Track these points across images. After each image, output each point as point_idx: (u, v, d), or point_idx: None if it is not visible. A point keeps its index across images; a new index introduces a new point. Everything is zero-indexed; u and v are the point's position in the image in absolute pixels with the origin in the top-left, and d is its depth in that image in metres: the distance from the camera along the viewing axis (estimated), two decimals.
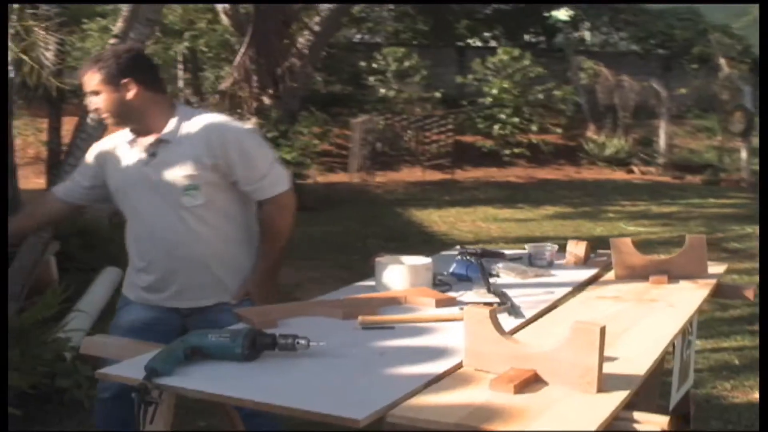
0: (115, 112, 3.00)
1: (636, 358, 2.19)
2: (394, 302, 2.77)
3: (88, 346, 2.50)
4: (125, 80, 2.95)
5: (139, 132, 3.04)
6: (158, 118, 3.02)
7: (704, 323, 6.47)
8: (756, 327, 6.41)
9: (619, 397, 1.89)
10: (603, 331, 1.90)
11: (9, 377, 3.80)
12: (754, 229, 10.84)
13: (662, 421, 1.82)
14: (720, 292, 3.33)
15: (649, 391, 3.07)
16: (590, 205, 13.08)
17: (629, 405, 1.93)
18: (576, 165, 18.62)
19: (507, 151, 18.03)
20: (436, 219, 11.28)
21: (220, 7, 11.71)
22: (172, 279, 3.06)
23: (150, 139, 3.01)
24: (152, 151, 3.00)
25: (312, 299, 2.94)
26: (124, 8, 6.19)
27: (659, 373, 3.11)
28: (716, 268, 3.42)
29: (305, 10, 13.72)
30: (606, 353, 2.17)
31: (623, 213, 12.31)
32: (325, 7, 13.00)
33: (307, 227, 10.52)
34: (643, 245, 3.46)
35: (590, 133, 19.97)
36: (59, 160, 7.66)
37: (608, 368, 2.05)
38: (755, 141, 18.56)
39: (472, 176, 16.75)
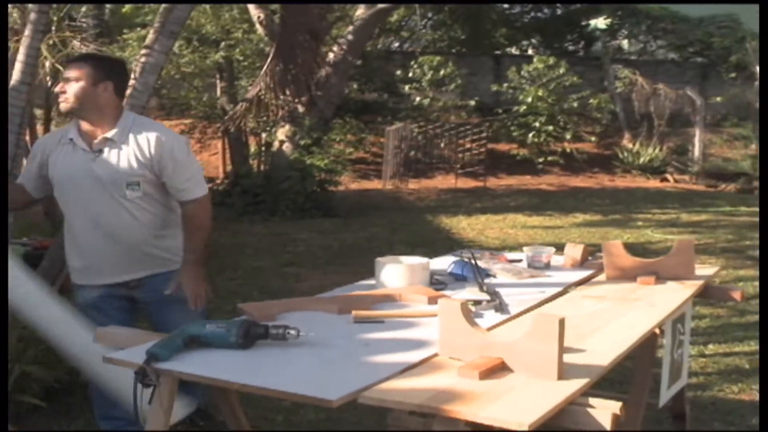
0: (83, 101, 3.36)
1: (603, 351, 2.33)
2: (390, 299, 2.94)
3: (102, 336, 2.69)
4: (106, 81, 3.38)
5: (91, 125, 3.39)
6: (110, 119, 3.41)
7: (720, 328, 6.57)
8: None
9: (577, 384, 2.04)
10: (562, 322, 2.05)
11: (33, 371, 4.04)
12: None
13: (615, 406, 1.97)
14: (708, 294, 3.45)
15: (639, 389, 3.22)
16: (620, 213, 13.12)
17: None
18: (610, 173, 18.63)
19: (541, 159, 18.09)
20: (465, 226, 11.39)
21: (255, 17, 11.92)
22: (116, 258, 3.46)
23: (97, 137, 3.37)
24: (98, 148, 3.37)
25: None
26: (157, 20, 6.44)
27: (650, 372, 3.24)
28: (706, 270, 3.54)
29: (339, 20, 13.93)
30: (577, 346, 2.34)
31: (652, 221, 12.33)
32: (357, 17, 13.18)
33: (336, 234, 10.72)
34: (667, 252, 3.59)
35: (625, 141, 19.99)
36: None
37: (574, 359, 2.21)
38: None
39: (504, 184, 16.85)
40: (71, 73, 3.38)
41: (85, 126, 3.39)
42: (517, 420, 1.82)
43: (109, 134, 3.36)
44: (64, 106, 3.40)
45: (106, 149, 3.36)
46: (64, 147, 3.42)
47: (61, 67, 6.43)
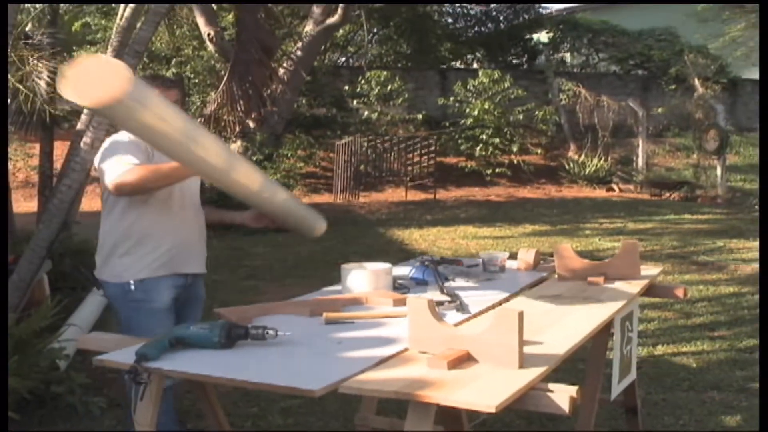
0: None
1: (559, 342, 2.54)
2: (357, 302, 3.12)
3: (86, 341, 2.83)
4: (184, 99, 3.70)
5: None
6: None
7: (667, 330, 6.83)
8: (716, 333, 6.76)
9: (537, 371, 2.23)
10: (521, 315, 2.24)
11: (9, 381, 4.13)
12: (725, 243, 11.22)
13: (572, 389, 2.16)
14: (653, 292, 3.68)
15: (592, 385, 3.42)
16: (568, 223, 13.39)
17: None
18: (557, 184, 18.93)
19: (489, 171, 18.33)
20: (417, 237, 11.58)
21: (205, 33, 12.02)
22: (200, 247, 3.78)
23: None
24: None
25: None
26: (114, 38, 6.56)
27: (602, 369, 3.44)
28: (651, 270, 3.77)
29: (287, 37, 14.08)
30: (534, 339, 2.53)
31: (600, 230, 12.61)
32: (305, 33, 13.34)
33: (291, 247, 10.84)
34: None
35: (571, 152, 20.34)
36: (51, 184, 7.95)
37: (533, 350, 2.41)
38: (729, 159, 18.98)
39: (454, 196, 17.07)
40: (171, 97, 3.45)
41: None
42: (485, 403, 2.00)
43: None
44: None
45: None
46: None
47: (20, 87, 6.51)
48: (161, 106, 2.46)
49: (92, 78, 2.20)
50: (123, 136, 3.54)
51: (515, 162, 18.76)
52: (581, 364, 4.75)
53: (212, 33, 11.80)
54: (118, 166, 3.33)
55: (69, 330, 5.52)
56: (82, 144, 5.13)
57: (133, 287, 3.49)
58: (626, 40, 24.14)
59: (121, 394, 4.31)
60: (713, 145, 17.72)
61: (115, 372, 2.40)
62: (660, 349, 6.28)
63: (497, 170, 18.35)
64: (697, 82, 20.51)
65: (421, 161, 17.58)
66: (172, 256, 3.56)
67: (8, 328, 3.95)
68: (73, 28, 14.30)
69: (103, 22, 14.78)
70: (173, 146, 2.62)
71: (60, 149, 8.96)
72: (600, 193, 18.04)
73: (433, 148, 17.72)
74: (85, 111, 5.80)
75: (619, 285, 3.42)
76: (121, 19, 6.79)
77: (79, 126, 5.96)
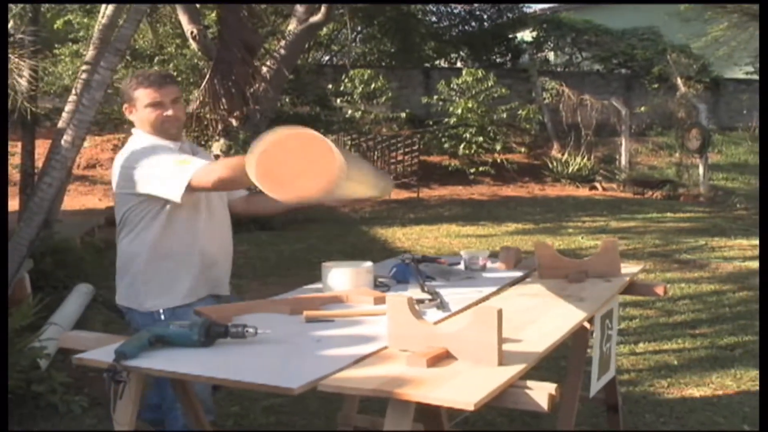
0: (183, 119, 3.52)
1: (538, 340, 2.54)
2: (337, 300, 3.12)
3: (66, 340, 2.82)
4: None
5: (174, 142, 3.44)
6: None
7: (649, 328, 6.87)
8: (697, 330, 6.80)
9: (516, 369, 2.24)
10: (500, 313, 2.25)
11: None
12: (706, 241, 11.27)
13: (551, 387, 2.17)
14: (634, 290, 3.69)
15: (572, 382, 3.43)
16: (551, 221, 13.42)
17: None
18: (540, 183, 18.96)
19: (472, 170, 18.36)
20: (400, 236, 11.59)
21: (188, 32, 12.00)
22: (227, 267, 3.67)
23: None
24: None
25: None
26: (95, 36, 6.53)
27: (582, 367, 3.45)
28: (631, 268, 3.78)
29: (270, 35, 14.06)
30: (514, 337, 2.54)
31: (583, 228, 12.65)
32: (289, 31, 13.33)
33: (274, 246, 10.83)
34: None
35: (554, 151, 20.38)
36: (32, 182, 7.91)
37: (512, 347, 2.42)
38: (711, 157, 19.06)
39: (437, 194, 17.08)
40: (173, 93, 3.43)
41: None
42: (464, 400, 2.00)
43: (185, 146, 3.49)
44: (177, 126, 3.46)
45: None
46: None
47: None
48: (353, 170, 2.42)
49: (296, 166, 2.14)
50: (143, 140, 3.42)
51: (498, 161, 18.78)
52: (563, 361, 4.76)
53: (195, 31, 11.76)
54: (185, 167, 3.15)
55: (50, 329, 5.51)
56: (62, 142, 5.11)
57: (163, 316, 3.33)
58: (609, 40, 24.23)
59: (103, 393, 4.31)
60: (695, 144, 17.79)
61: (96, 371, 2.38)
62: (641, 347, 6.31)
63: (480, 169, 18.38)
64: (679, 81, 20.60)
65: (404, 160, 17.58)
66: (203, 280, 3.45)
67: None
68: (56, 26, 14.28)
69: (85, 20, 14.72)
70: None
71: (42, 147, 8.92)
72: (583, 191, 18.08)
73: (416, 147, 17.72)
74: (67, 109, 5.77)
75: (599, 283, 3.43)
76: (102, 17, 6.77)
77: (60, 124, 5.93)
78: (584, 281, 3.46)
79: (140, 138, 3.42)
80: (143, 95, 3.38)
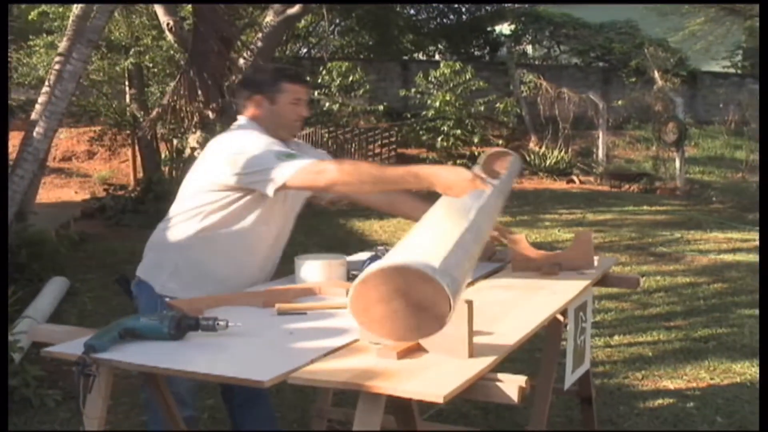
0: None
1: (510, 332, 2.54)
2: (310, 293, 3.11)
3: (37, 333, 2.79)
4: None
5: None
6: None
7: (624, 320, 6.91)
8: (672, 323, 6.85)
9: (486, 361, 2.23)
10: (471, 304, 2.24)
11: None
12: (682, 234, 11.33)
13: (521, 379, 2.17)
14: (607, 282, 3.70)
15: (546, 374, 3.43)
16: (528, 214, 13.44)
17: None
18: (518, 175, 18.95)
19: (450, 163, 18.35)
20: (377, 228, 11.58)
21: (164, 23, 11.91)
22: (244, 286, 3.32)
23: None
24: None
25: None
26: (69, 27, 6.48)
27: (557, 360, 3.46)
28: (606, 261, 3.80)
29: (247, 27, 13.98)
30: (486, 329, 2.53)
31: (559, 221, 12.68)
32: (266, 23, 13.26)
33: None
34: None
35: (532, 144, 20.42)
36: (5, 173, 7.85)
37: (484, 340, 2.41)
38: (688, 151, 19.15)
39: None
40: (307, 94, 3.37)
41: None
42: (434, 393, 2.00)
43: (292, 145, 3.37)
44: (300, 127, 3.42)
45: None
46: None
47: None
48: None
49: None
50: (255, 131, 3.25)
51: (476, 153, 18.76)
52: (539, 354, 4.78)
53: (171, 23, 11.65)
54: (299, 163, 2.99)
55: (24, 322, 5.48)
56: (35, 134, 5.07)
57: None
58: (587, 33, 24.27)
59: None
60: (672, 138, 17.85)
61: (70, 364, 2.36)
62: (617, 339, 6.34)
63: (458, 161, 18.34)
64: (656, 74, 20.66)
65: (382, 152, 17.59)
66: (222, 290, 3.22)
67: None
68: (30, 17, 14.15)
69: (60, 10, 14.59)
70: None
71: (15, 140, 8.85)
72: (560, 184, 18.12)
73: (394, 140, 17.73)
74: (40, 101, 5.74)
75: (572, 275, 3.44)
76: (77, 7, 6.71)
77: (34, 116, 5.89)
78: (557, 274, 3.46)
79: (251, 128, 3.28)
80: (291, 90, 3.30)
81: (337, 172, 2.96)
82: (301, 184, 3.02)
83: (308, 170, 2.96)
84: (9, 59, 6.42)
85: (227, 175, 3.11)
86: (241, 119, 3.36)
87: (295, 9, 13.14)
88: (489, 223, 2.68)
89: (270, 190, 3.01)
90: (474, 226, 2.60)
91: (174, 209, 3.35)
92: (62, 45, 5.39)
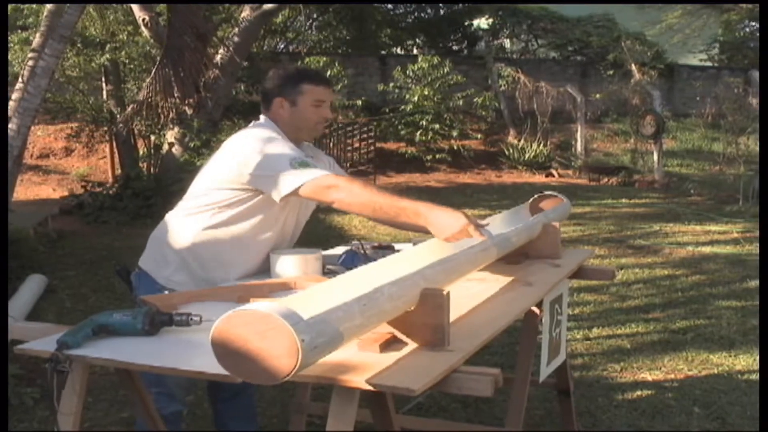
0: None
1: (486, 324, 2.54)
2: (285, 287, 3.09)
3: (14, 331, 2.76)
4: None
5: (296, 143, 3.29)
6: None
7: (603, 313, 6.93)
8: (650, 315, 6.89)
9: (460, 354, 2.22)
10: (447, 295, 2.24)
11: None
12: (660, 227, 11.39)
13: (494, 371, 2.16)
14: (584, 274, 3.71)
15: (523, 366, 3.44)
16: (507, 207, 13.34)
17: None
18: (497, 169, 19.03)
19: (429, 157, 18.39)
20: (356, 223, 11.57)
21: (140, 19, 11.85)
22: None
23: None
24: None
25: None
26: (43, 23, 6.43)
27: (533, 352, 3.46)
28: (581, 253, 3.81)
29: (224, 22, 13.94)
30: (461, 321, 2.53)
31: None
32: (242, 18, 13.23)
33: None
34: None
35: (510, 138, 20.48)
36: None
37: (459, 332, 2.40)
38: (666, 144, 19.24)
39: (394, 182, 17.06)
40: (329, 96, 3.34)
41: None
42: (406, 386, 1.99)
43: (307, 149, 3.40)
44: (322, 130, 3.42)
45: None
46: None
47: None
48: None
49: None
50: (273, 132, 3.23)
51: (455, 147, 18.83)
52: (518, 346, 4.79)
53: (147, 18, 11.61)
54: (312, 173, 2.98)
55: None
56: (8, 130, 5.03)
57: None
58: (565, 27, 24.36)
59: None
60: (650, 131, 17.94)
61: (47, 362, 2.34)
62: (595, 332, 6.37)
63: (437, 156, 18.42)
64: (634, 68, 20.78)
65: (360, 147, 17.56)
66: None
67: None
68: None
69: (34, 6, 14.48)
70: None
71: None
72: (539, 178, 18.19)
73: (373, 134, 17.71)
74: (14, 97, 5.69)
75: (547, 268, 3.44)
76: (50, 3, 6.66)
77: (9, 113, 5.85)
78: (521, 263, 3.46)
79: (269, 128, 3.27)
80: (313, 92, 3.28)
81: (346, 192, 2.95)
82: (310, 195, 3.01)
83: (319, 183, 2.96)
84: None
85: (240, 174, 3.13)
86: (261, 118, 3.36)
87: (271, 5, 13.13)
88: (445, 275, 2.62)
89: (278, 196, 3.04)
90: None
91: (184, 203, 3.39)
92: (36, 41, 5.34)
